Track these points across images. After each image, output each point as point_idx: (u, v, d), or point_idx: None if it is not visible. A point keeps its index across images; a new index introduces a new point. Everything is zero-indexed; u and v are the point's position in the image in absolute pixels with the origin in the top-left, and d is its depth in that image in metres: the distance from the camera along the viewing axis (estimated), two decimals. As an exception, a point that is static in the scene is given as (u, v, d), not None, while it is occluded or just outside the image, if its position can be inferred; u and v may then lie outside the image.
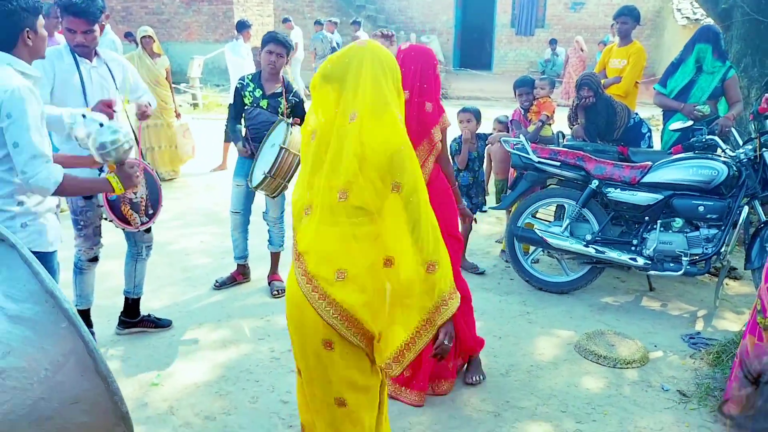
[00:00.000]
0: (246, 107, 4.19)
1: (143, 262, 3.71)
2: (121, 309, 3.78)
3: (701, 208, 4.07)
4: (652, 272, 4.24)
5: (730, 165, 4.06)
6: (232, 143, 7.54)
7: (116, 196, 3.27)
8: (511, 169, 5.10)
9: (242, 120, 4.31)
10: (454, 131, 3.84)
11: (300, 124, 4.01)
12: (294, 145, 3.77)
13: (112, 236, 3.69)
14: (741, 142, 4.35)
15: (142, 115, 3.55)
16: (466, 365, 3.39)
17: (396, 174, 1.86)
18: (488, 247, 5.46)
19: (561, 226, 4.47)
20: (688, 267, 4.11)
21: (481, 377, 3.35)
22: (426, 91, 2.90)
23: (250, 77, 4.24)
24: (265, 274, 4.59)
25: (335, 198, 1.89)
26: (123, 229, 3.43)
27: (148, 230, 3.59)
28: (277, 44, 4.09)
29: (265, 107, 4.15)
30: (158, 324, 3.85)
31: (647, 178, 4.21)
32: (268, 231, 4.50)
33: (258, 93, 4.16)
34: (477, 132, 4.78)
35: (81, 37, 3.20)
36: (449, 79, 16.14)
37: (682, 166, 4.17)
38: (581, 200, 4.36)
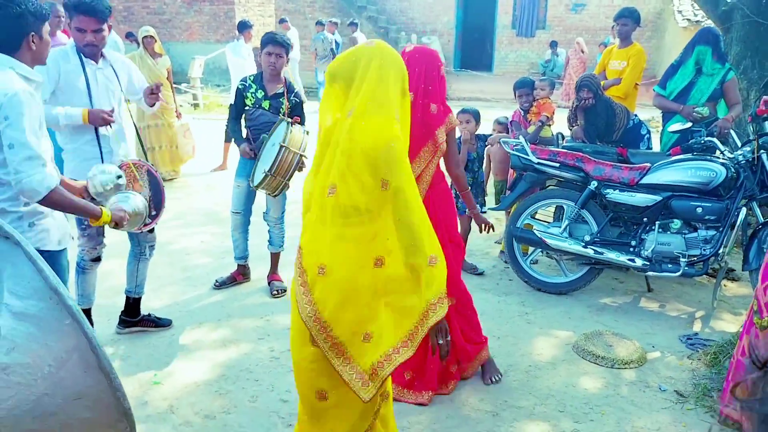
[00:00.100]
0: (247, 108, 4.21)
1: (146, 261, 3.72)
2: (122, 308, 3.80)
3: (699, 210, 4.09)
4: (650, 273, 4.26)
5: (728, 167, 4.09)
6: (232, 144, 7.61)
7: None
8: (511, 170, 5.12)
9: (242, 120, 4.34)
10: (453, 132, 3.86)
11: (300, 123, 4.04)
12: (294, 144, 3.79)
13: (113, 236, 3.70)
14: (740, 144, 4.37)
15: (151, 93, 3.56)
16: (481, 368, 3.40)
17: (383, 171, 1.88)
18: (487, 247, 5.48)
19: (560, 227, 4.49)
20: (686, 268, 4.13)
21: (499, 376, 3.37)
22: (431, 93, 2.92)
23: (252, 78, 4.26)
24: (265, 274, 4.61)
25: (326, 194, 1.93)
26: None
27: (152, 230, 3.61)
28: (275, 45, 4.11)
29: (267, 108, 4.17)
30: (158, 323, 3.87)
31: (646, 180, 4.23)
32: (269, 231, 4.51)
33: (260, 94, 4.18)
34: (476, 133, 4.80)
35: (91, 36, 3.21)
36: (450, 80, 16.14)
37: (680, 167, 4.19)
38: (580, 201, 4.39)
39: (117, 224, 2.80)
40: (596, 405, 3.17)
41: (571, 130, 5.26)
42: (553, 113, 5.22)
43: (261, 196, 4.29)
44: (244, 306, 4.26)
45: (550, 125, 5.21)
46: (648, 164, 4.31)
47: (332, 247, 1.93)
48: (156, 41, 7.05)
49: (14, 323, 1.51)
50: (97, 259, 3.54)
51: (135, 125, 3.64)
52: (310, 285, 1.97)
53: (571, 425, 3.00)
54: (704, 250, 4.12)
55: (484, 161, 5.25)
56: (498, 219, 6.13)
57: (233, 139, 4.41)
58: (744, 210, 4.07)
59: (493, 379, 3.34)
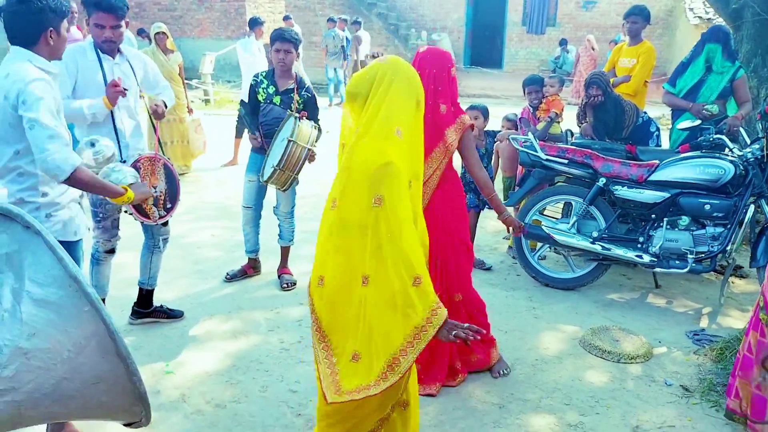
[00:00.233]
0: (259, 103, 4.26)
1: (159, 254, 3.78)
2: (134, 300, 3.86)
3: (708, 207, 4.10)
4: (657, 269, 4.28)
5: (737, 164, 4.09)
6: (242, 139, 7.67)
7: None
8: (519, 167, 5.14)
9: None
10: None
11: (308, 118, 4.08)
12: (302, 138, 3.83)
13: (128, 229, 3.77)
14: (749, 142, 4.37)
15: (155, 114, 3.63)
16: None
17: (377, 188, 1.90)
18: (496, 243, 5.51)
19: (568, 223, 4.52)
20: (694, 265, 4.15)
21: (507, 370, 3.41)
22: (440, 94, 2.96)
23: (264, 74, 4.31)
24: (275, 268, 4.66)
25: (330, 207, 2.00)
26: (141, 222, 3.51)
27: (166, 223, 3.67)
28: (283, 41, 4.15)
29: (278, 104, 4.21)
30: (170, 314, 3.93)
31: (654, 177, 4.25)
32: (279, 226, 4.56)
33: (271, 90, 4.23)
34: (486, 129, 4.83)
35: (110, 32, 3.27)
36: (460, 77, 15.98)
37: (689, 164, 4.20)
38: (588, 198, 4.41)
39: (138, 204, 2.90)
40: (602, 399, 3.20)
41: (580, 127, 5.27)
42: (562, 110, 5.23)
43: (272, 190, 4.34)
44: (255, 298, 4.31)
45: (559, 122, 5.22)
46: (656, 161, 4.32)
47: (330, 259, 2.00)
48: (168, 37, 7.12)
49: (35, 310, 1.56)
50: (112, 251, 3.60)
51: (152, 121, 3.69)
52: (311, 294, 2.06)
53: (576, 418, 3.03)
54: (712, 246, 4.13)
55: (493, 158, 5.27)
56: (506, 215, 6.16)
57: (248, 132, 4.47)
58: (752, 207, 4.08)
59: (502, 372, 3.37)
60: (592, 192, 4.39)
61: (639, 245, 4.32)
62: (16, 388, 1.51)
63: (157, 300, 3.95)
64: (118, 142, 3.39)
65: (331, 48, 13.66)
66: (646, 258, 4.24)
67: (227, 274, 4.59)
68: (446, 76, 2.98)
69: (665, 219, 4.26)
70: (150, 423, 1.76)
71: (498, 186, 6.10)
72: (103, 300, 3.70)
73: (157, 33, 7.02)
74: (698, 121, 4.60)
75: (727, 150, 4.26)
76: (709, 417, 3.05)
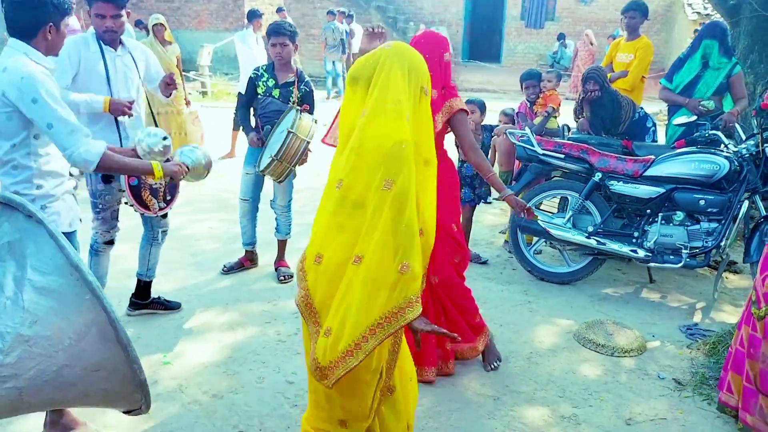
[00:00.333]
0: (259, 96, 4.27)
1: (158, 246, 3.80)
2: (133, 291, 3.88)
3: (702, 202, 4.14)
4: (652, 264, 4.31)
5: (731, 160, 4.12)
6: (240, 131, 7.66)
7: (137, 181, 3.37)
8: (516, 161, 5.17)
9: (251, 109, 4.40)
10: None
11: (309, 112, 4.10)
12: (302, 131, 3.84)
13: (126, 220, 3.78)
14: (744, 138, 4.40)
15: (167, 87, 3.65)
16: (481, 355, 3.45)
17: (390, 171, 1.89)
18: (492, 237, 5.54)
19: (564, 217, 4.55)
20: (688, 260, 4.18)
21: (498, 363, 3.43)
22: (430, 79, 2.96)
23: (264, 68, 4.32)
24: (272, 261, 4.68)
25: (334, 188, 2.00)
26: (141, 214, 3.52)
27: (165, 215, 3.69)
28: (278, 35, 4.16)
29: (277, 96, 4.22)
30: (168, 306, 3.95)
31: (650, 172, 4.28)
32: (276, 219, 4.58)
33: (271, 83, 4.24)
34: (483, 124, 4.85)
35: (110, 22, 3.28)
36: (458, 71, 16.15)
37: (684, 160, 4.23)
38: (584, 192, 4.43)
39: (172, 178, 2.92)
40: (595, 391, 3.24)
41: (577, 121, 5.30)
42: (559, 105, 5.26)
43: (269, 183, 4.36)
44: (252, 291, 4.34)
45: (556, 117, 5.25)
46: (652, 156, 4.35)
47: (331, 236, 2.00)
48: (166, 29, 7.11)
49: (37, 298, 1.59)
50: (111, 243, 3.61)
51: (152, 112, 3.71)
52: (306, 271, 2.05)
53: (570, 410, 3.07)
54: (706, 242, 4.17)
55: (490, 152, 5.29)
56: (503, 209, 6.19)
57: (242, 128, 4.48)
58: (746, 203, 4.12)
59: (493, 365, 3.40)
60: (588, 187, 4.42)
61: (634, 240, 4.35)
62: (18, 374, 1.53)
63: (155, 291, 3.96)
64: (119, 133, 3.41)
65: (330, 41, 13.65)
66: (641, 253, 4.27)
67: (224, 266, 4.61)
68: (437, 60, 2.96)
69: (660, 214, 4.29)
70: (149, 411, 1.79)
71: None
72: (102, 291, 3.72)
73: (155, 24, 7.01)
74: (694, 117, 4.63)
75: (722, 146, 4.29)
76: (701, 410, 3.09)
